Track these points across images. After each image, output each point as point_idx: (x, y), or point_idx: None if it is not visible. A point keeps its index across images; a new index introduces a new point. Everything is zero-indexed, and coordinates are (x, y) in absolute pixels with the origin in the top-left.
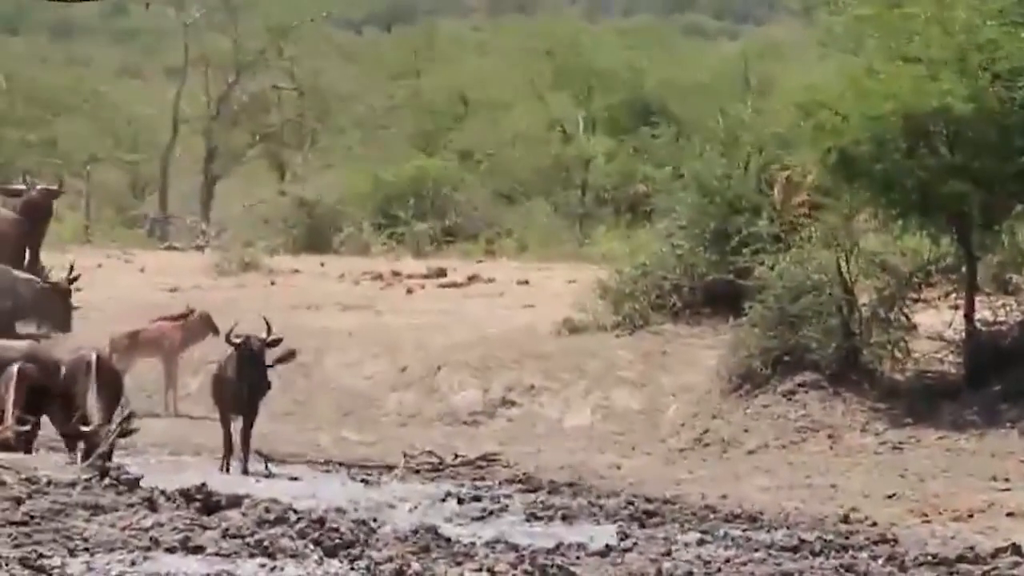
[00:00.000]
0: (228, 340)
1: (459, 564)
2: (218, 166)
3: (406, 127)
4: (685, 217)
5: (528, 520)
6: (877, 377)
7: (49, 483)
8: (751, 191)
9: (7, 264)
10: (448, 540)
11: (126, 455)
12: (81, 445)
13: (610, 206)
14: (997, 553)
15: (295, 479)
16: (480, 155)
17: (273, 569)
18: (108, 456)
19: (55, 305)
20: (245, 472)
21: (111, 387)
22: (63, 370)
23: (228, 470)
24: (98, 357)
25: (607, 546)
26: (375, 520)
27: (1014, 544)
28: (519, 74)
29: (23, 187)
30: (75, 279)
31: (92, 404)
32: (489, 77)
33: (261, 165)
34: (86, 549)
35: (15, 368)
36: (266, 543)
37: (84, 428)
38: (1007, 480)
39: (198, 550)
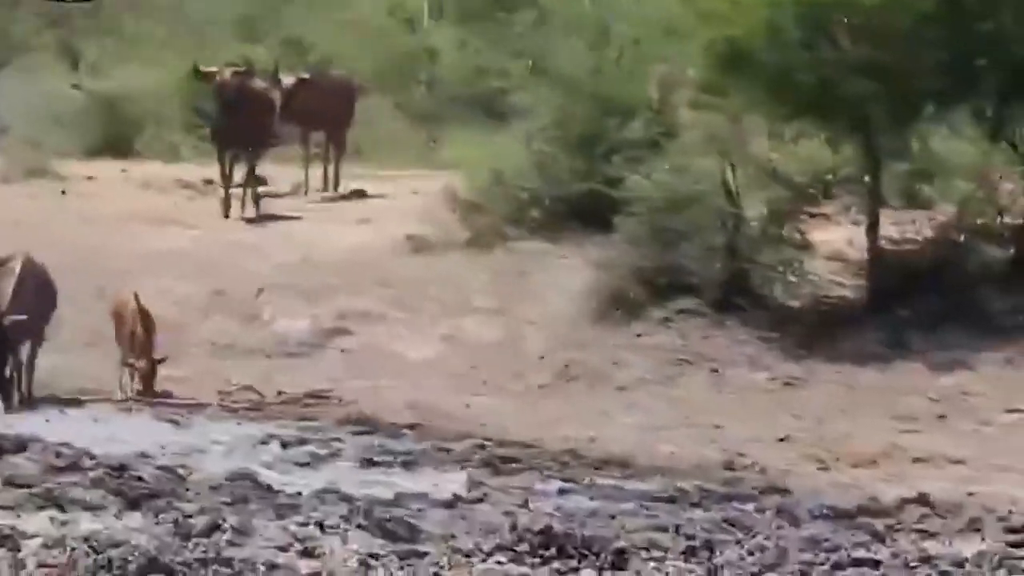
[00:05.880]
0: None
1: (283, 517)
2: None
3: (225, 12)
4: (547, 118)
5: (363, 467)
6: (767, 303)
7: None
8: (624, 89)
9: None
10: (269, 489)
11: None
12: None
13: (461, 105)
14: (903, 504)
15: (92, 420)
16: (309, 44)
17: (64, 523)
18: None
19: None
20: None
21: None
22: None
23: None
24: None
25: (455, 496)
26: (184, 467)
27: (922, 493)
28: None
29: None
30: None
31: None
32: None
33: (51, 54)
34: None
35: None
36: (56, 493)
37: None
38: (914, 420)
39: None
